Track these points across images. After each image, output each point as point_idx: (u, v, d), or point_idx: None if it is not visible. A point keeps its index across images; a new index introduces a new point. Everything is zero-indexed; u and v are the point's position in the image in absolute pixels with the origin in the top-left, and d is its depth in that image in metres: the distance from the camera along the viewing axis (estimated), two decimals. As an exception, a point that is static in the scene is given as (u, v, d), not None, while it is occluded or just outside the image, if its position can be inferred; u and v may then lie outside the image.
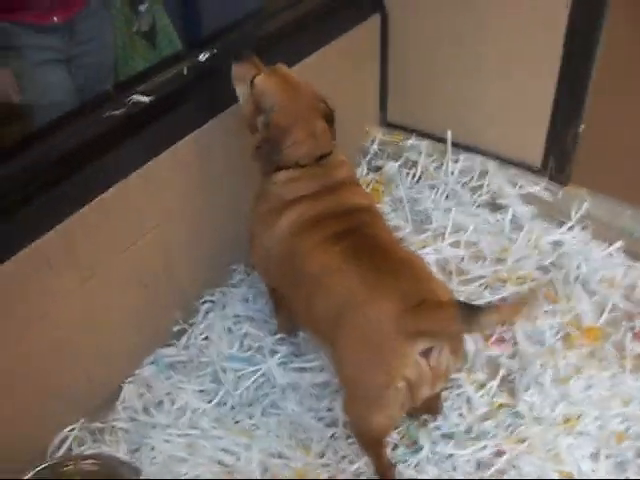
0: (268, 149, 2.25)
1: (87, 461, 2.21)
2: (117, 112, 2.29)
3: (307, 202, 2.24)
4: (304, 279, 2.17)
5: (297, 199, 2.25)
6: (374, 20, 3.14)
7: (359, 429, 2.13)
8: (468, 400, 2.43)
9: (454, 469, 2.24)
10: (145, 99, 2.34)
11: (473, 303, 1.99)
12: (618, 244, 2.91)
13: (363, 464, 2.27)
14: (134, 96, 2.33)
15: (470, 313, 1.82)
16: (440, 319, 1.88)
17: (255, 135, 2.31)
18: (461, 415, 2.39)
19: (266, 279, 2.53)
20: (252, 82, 2.28)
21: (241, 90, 2.33)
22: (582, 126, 2.89)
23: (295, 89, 2.28)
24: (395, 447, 2.29)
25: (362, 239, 2.15)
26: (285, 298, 2.44)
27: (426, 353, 1.89)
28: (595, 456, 2.26)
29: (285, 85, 2.28)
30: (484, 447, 2.27)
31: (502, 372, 2.50)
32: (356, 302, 1.98)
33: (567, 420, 2.34)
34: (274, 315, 2.65)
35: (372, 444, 2.15)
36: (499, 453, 2.26)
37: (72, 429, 2.37)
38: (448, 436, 2.34)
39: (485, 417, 2.39)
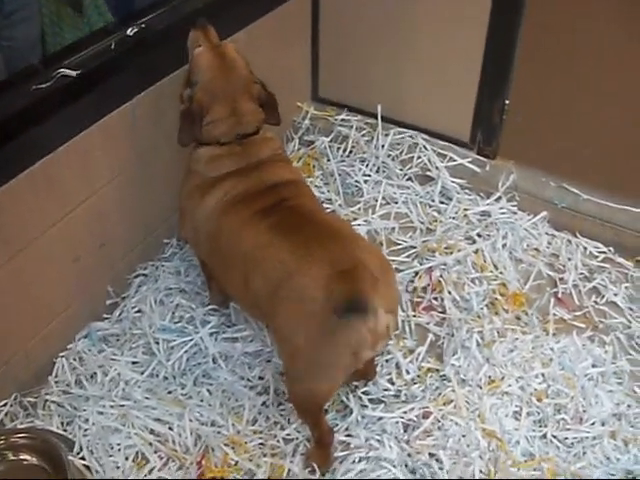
0: (189, 121, 2.28)
1: (19, 435, 2.23)
2: (44, 85, 2.28)
3: (232, 180, 2.27)
4: (235, 258, 2.19)
5: (221, 177, 2.28)
6: (305, -5, 3.16)
7: (301, 398, 2.14)
8: (397, 366, 2.50)
9: (383, 431, 2.30)
10: (72, 73, 2.33)
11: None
12: (543, 214, 3.01)
13: (293, 429, 2.32)
14: (61, 70, 2.32)
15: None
16: (364, 282, 1.90)
17: (182, 105, 2.33)
18: (390, 380, 2.46)
19: (197, 253, 2.55)
20: (192, 53, 2.30)
21: (190, 55, 2.36)
22: (507, 101, 2.97)
23: (228, 68, 2.30)
24: (325, 412, 2.33)
25: (289, 212, 2.19)
26: (215, 273, 2.47)
27: (364, 317, 1.90)
28: (517, 414, 2.35)
29: (218, 62, 2.29)
30: (411, 409, 2.34)
31: (430, 338, 2.58)
32: (289, 274, 2.01)
33: (491, 382, 2.43)
34: (206, 287, 2.67)
35: (313, 411, 2.17)
36: (426, 415, 2.32)
37: (4, 404, 2.37)
38: (377, 401, 2.41)
39: (413, 381, 2.46)
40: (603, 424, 2.33)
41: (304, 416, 2.22)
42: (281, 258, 2.05)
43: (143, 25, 2.53)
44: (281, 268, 2.03)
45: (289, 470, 2.23)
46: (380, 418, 2.34)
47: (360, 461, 2.23)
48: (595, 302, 2.74)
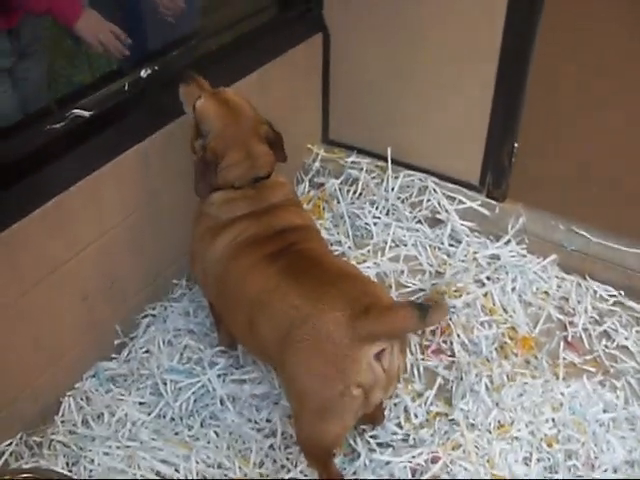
0: (203, 171, 2.28)
1: (24, 474, 2.21)
2: (58, 125, 2.31)
3: (242, 223, 2.27)
4: (243, 302, 2.19)
5: (233, 220, 2.28)
6: (316, 39, 3.21)
7: (311, 442, 2.12)
8: (405, 409, 2.48)
9: (391, 476, 2.28)
10: (86, 113, 2.37)
11: (421, 302, 1.99)
12: (552, 257, 3.00)
13: (300, 473, 2.30)
14: (75, 110, 2.36)
15: (422, 311, 1.88)
16: (393, 320, 1.92)
17: (195, 156, 2.34)
18: (398, 424, 2.44)
19: (206, 294, 2.55)
20: (194, 106, 2.31)
21: (187, 111, 2.39)
22: (517, 144, 2.99)
23: (235, 112, 2.31)
24: (332, 456, 2.32)
25: (297, 256, 2.19)
26: (222, 315, 2.48)
27: (379, 356, 1.91)
28: (527, 460, 2.32)
29: (224, 109, 2.31)
30: (420, 454, 2.31)
31: (439, 381, 2.57)
32: (302, 317, 1.99)
33: (500, 426, 2.41)
34: (214, 329, 2.67)
35: (322, 455, 2.15)
36: (434, 459, 2.30)
37: (9, 443, 2.36)
38: (385, 445, 2.38)
39: (422, 426, 2.44)
40: (615, 471, 2.30)
41: (313, 460, 2.20)
42: (292, 302, 2.03)
43: (156, 67, 2.57)
44: (292, 312, 2.01)
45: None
46: (388, 462, 2.31)
47: (367, 506, 2.20)
48: (606, 346, 2.72)
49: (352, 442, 2.37)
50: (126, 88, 2.49)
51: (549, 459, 2.32)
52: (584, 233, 2.96)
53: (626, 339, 2.73)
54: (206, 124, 2.29)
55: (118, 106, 2.45)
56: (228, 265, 2.25)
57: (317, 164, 3.39)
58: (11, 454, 2.34)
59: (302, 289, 2.05)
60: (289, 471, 2.31)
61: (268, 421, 2.45)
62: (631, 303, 2.87)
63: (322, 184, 3.36)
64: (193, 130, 2.34)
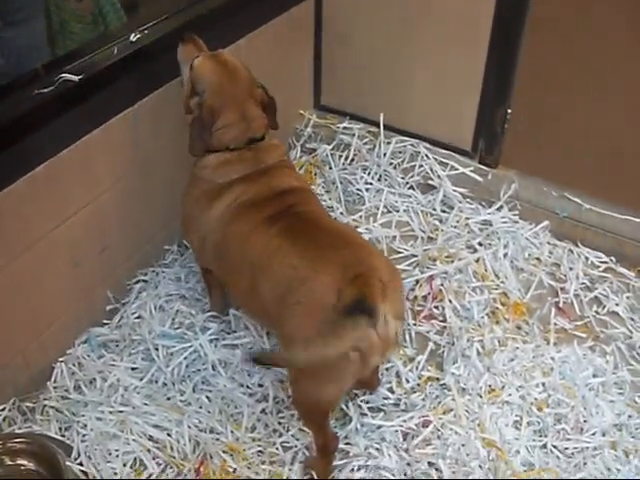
0: (199, 129, 2.27)
1: (17, 440, 2.22)
2: (46, 90, 2.28)
3: (239, 186, 2.27)
4: (244, 264, 2.19)
5: (229, 183, 2.28)
6: (308, 4, 3.16)
7: (307, 404, 2.13)
8: (397, 374, 2.49)
9: (382, 440, 2.29)
10: (75, 78, 2.33)
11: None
12: (544, 224, 3.01)
13: (292, 437, 2.32)
14: (64, 75, 2.32)
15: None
16: (372, 292, 1.90)
17: (189, 115, 2.32)
18: (390, 389, 2.45)
19: (201, 261, 2.54)
20: (191, 64, 2.30)
21: (183, 70, 2.36)
22: (510, 110, 2.97)
23: (231, 74, 2.31)
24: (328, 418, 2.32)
25: (297, 218, 2.19)
26: (219, 280, 2.47)
27: (374, 322, 1.89)
28: (517, 424, 2.34)
29: (221, 69, 2.30)
30: (411, 418, 2.33)
31: (430, 347, 2.57)
32: (300, 279, 2.00)
33: (491, 391, 2.43)
34: (206, 294, 2.66)
35: (319, 417, 2.15)
36: (425, 423, 2.32)
37: (2, 409, 2.36)
38: (377, 409, 2.40)
39: (413, 390, 2.45)
40: (604, 434, 2.32)
41: (309, 423, 2.21)
42: (292, 263, 2.04)
43: (146, 31, 2.53)
44: (292, 273, 2.03)
45: (287, 478, 2.22)
46: (379, 426, 2.33)
47: (359, 469, 2.22)
48: (596, 312, 2.74)
49: (344, 406, 2.38)
50: (115, 52, 2.46)
51: (539, 423, 2.34)
52: (576, 200, 2.96)
53: (617, 305, 2.75)
54: (203, 82, 2.28)
55: (107, 70, 2.41)
56: (227, 229, 2.24)
57: (309, 130, 3.37)
58: (4, 419, 2.35)
59: (302, 250, 2.06)
60: (281, 435, 2.32)
61: (260, 386, 2.45)
62: (622, 269, 2.87)
63: (314, 150, 3.34)
64: (188, 89, 2.32)
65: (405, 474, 2.21)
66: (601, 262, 2.90)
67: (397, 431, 2.31)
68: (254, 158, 2.31)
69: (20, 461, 2.20)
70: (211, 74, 2.29)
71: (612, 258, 2.90)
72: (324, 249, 2.05)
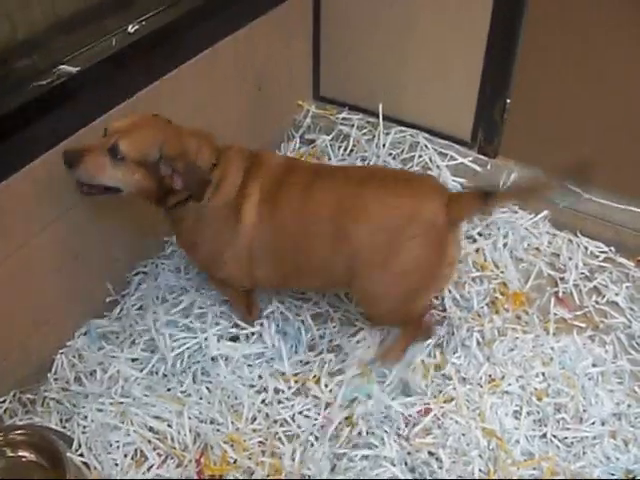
0: (193, 179, 2.15)
1: (18, 431, 2.23)
2: (44, 82, 2.27)
3: (250, 182, 2.24)
4: (317, 238, 2.20)
5: (240, 189, 2.24)
6: (306, -6, 3.16)
7: (414, 312, 2.38)
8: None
9: (386, 418, 2.31)
10: (73, 69, 2.33)
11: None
12: (544, 213, 3.01)
13: (291, 427, 2.33)
14: (62, 66, 2.32)
15: (487, 196, 2.13)
16: (469, 205, 2.19)
17: (172, 189, 2.18)
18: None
19: (242, 281, 2.42)
20: (122, 156, 2.10)
21: (114, 174, 2.13)
22: (509, 100, 2.97)
23: (153, 122, 2.22)
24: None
25: (335, 174, 2.30)
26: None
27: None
28: (517, 413, 2.35)
29: (146, 127, 2.18)
30: (413, 404, 2.34)
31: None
32: (408, 215, 2.14)
33: (491, 380, 2.43)
34: (234, 309, 2.62)
35: (419, 317, 2.44)
36: (426, 412, 2.33)
37: (3, 401, 2.37)
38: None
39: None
40: (603, 424, 2.32)
41: (405, 325, 2.43)
42: (392, 204, 2.16)
43: (144, 22, 2.53)
44: (397, 212, 2.15)
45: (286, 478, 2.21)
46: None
47: (360, 459, 2.22)
48: (596, 302, 2.74)
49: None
50: (113, 44, 2.45)
51: (539, 412, 2.34)
52: (575, 189, 2.95)
53: (616, 295, 2.75)
54: (151, 149, 2.11)
55: (105, 62, 2.41)
56: (274, 221, 2.22)
57: (308, 120, 3.37)
58: (5, 411, 2.36)
59: (385, 191, 2.18)
60: (282, 425, 2.33)
61: (260, 378, 2.46)
62: (621, 259, 2.88)
63: (313, 140, 3.34)
64: (143, 174, 2.14)
65: (406, 464, 2.21)
66: (601, 252, 2.90)
67: (399, 415, 2.32)
68: (235, 159, 2.28)
69: (21, 452, 2.21)
70: (151, 137, 2.14)
71: (612, 248, 2.90)
72: (400, 184, 2.22)
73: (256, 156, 2.33)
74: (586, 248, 2.92)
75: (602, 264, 2.86)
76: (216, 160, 2.25)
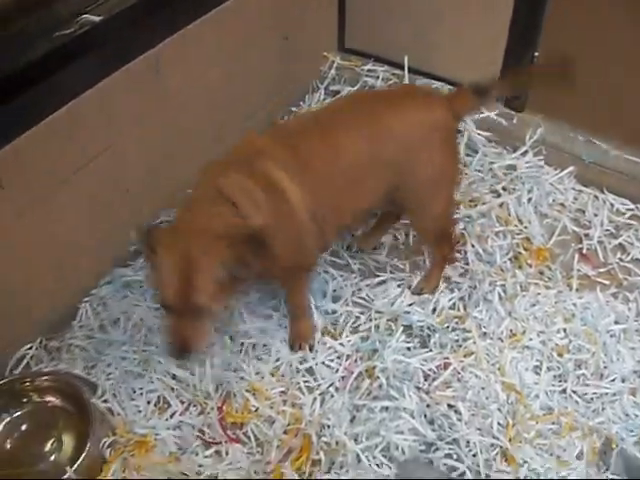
0: (258, 252, 1.93)
1: (44, 377, 2.28)
2: (67, 31, 2.26)
3: (272, 173, 2.09)
4: (354, 178, 2.20)
5: (268, 188, 2.06)
6: (332, -57, 3.11)
7: (445, 225, 2.50)
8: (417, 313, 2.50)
9: (404, 374, 2.32)
10: (96, 18, 2.31)
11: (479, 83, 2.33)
12: (570, 169, 2.97)
13: (313, 379, 2.35)
14: (85, 15, 2.30)
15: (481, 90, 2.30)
16: (467, 102, 2.34)
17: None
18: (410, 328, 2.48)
19: (320, 250, 2.40)
20: (201, 312, 1.93)
21: (214, 315, 1.99)
22: (537, 52, 2.91)
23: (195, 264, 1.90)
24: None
25: (329, 119, 2.27)
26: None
27: None
28: (537, 369, 2.35)
29: (192, 270, 1.88)
30: (433, 359, 2.36)
31: (453, 290, 2.58)
32: (430, 124, 2.25)
33: (512, 335, 2.43)
34: (304, 299, 2.47)
35: (450, 235, 2.55)
36: (446, 365, 2.34)
37: (29, 347, 2.42)
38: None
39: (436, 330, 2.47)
40: (623, 380, 2.32)
41: (446, 234, 2.53)
42: (410, 121, 2.23)
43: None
44: (416, 127, 2.24)
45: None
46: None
47: (381, 411, 2.23)
48: (620, 259, 2.72)
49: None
50: (136, -6, 2.43)
51: (559, 368, 2.35)
52: (603, 145, 2.92)
53: (641, 252, 2.73)
54: (216, 284, 1.90)
55: (129, 11, 2.39)
56: (316, 180, 2.14)
57: (333, 72, 3.34)
58: (31, 358, 2.40)
59: (400, 111, 2.24)
60: (303, 375, 2.36)
61: (284, 327, 2.48)
62: (647, 216, 2.85)
63: (338, 92, 3.32)
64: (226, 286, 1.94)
65: (425, 416, 2.23)
66: (627, 209, 2.87)
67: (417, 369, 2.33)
68: (235, 186, 2.04)
69: (47, 398, 2.27)
70: (211, 272, 1.89)
71: (638, 205, 2.87)
72: (402, 101, 2.28)
73: (248, 160, 2.10)
74: (612, 205, 2.89)
75: (628, 221, 2.84)
76: (232, 204, 2.00)
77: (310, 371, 2.37)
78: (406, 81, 3.18)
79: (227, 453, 2.18)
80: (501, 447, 2.16)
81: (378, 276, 2.64)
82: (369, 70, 3.29)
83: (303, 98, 3.33)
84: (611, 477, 2.12)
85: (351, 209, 2.31)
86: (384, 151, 2.20)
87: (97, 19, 2.30)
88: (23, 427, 2.23)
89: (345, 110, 2.31)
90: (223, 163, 2.13)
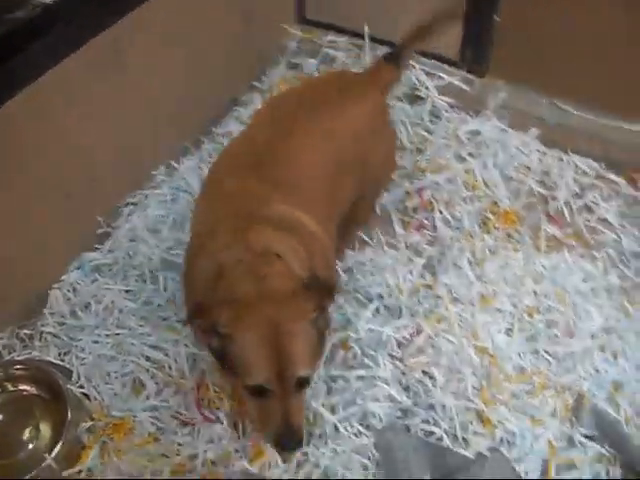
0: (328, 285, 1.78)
1: (17, 366, 2.27)
2: (20, 13, 2.22)
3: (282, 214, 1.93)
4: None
5: (286, 228, 1.89)
6: None
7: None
8: (387, 285, 2.50)
9: (377, 343, 2.33)
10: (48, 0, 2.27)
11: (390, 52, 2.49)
12: (533, 131, 2.98)
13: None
14: (35, -2, 2.26)
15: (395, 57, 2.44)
16: (387, 74, 2.42)
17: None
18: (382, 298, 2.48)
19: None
20: (306, 383, 1.72)
21: (315, 366, 1.78)
22: (497, 17, 2.91)
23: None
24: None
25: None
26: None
27: None
28: (509, 331, 2.38)
29: (288, 344, 1.65)
30: (405, 326, 2.37)
31: (422, 257, 2.59)
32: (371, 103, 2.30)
33: (483, 299, 2.45)
34: None
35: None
36: (418, 332, 2.36)
37: (1, 337, 2.40)
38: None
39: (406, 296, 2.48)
40: (593, 337, 2.36)
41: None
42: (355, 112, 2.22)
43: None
44: (366, 113, 2.26)
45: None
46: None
47: (356, 380, 2.25)
48: (587, 219, 2.75)
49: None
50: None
51: (530, 329, 2.38)
52: (565, 107, 2.93)
53: (606, 212, 2.76)
54: (311, 337, 1.70)
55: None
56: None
57: (294, 44, 3.32)
58: (4, 348, 2.38)
59: (348, 102, 2.23)
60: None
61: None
62: (612, 176, 2.87)
63: (299, 64, 3.29)
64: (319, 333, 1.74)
65: (400, 383, 2.25)
66: (591, 169, 2.89)
67: (390, 337, 2.34)
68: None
69: (22, 387, 2.25)
70: (305, 327, 1.69)
71: (602, 164, 2.89)
72: (345, 90, 2.27)
73: (252, 210, 1.91)
74: (576, 166, 2.91)
75: (593, 181, 2.86)
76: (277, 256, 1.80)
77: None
78: (366, 50, 3.17)
79: (205, 432, 2.18)
80: (476, 410, 2.19)
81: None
82: (330, 41, 3.27)
83: (264, 72, 3.30)
84: (584, 432, 2.16)
85: (335, 214, 2.23)
86: (344, 153, 2.12)
87: (49, 0, 2.26)
88: (-1, 417, 2.22)
89: (294, 128, 2.09)
90: (230, 222, 1.88)
